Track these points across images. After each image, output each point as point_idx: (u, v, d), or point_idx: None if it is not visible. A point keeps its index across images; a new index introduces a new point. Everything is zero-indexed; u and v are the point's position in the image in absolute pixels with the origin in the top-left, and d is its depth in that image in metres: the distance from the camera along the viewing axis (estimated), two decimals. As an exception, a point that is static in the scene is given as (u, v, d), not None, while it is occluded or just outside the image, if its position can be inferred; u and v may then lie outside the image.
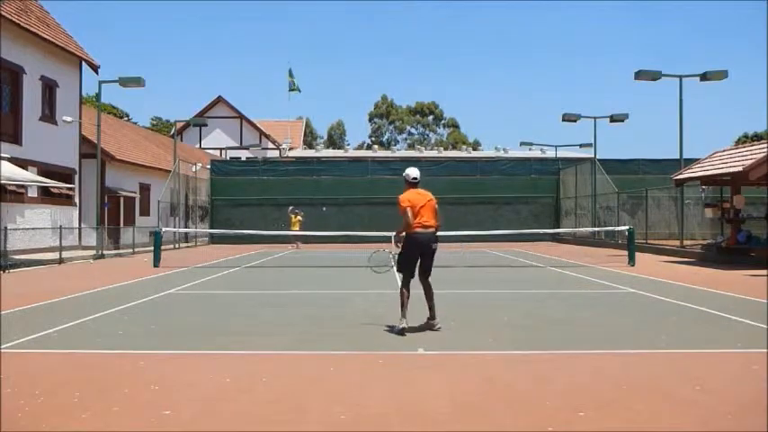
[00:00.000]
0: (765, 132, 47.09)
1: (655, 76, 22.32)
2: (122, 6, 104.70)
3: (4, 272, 14.44)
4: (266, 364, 5.53)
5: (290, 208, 26.99)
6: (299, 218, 26.30)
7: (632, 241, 16.78)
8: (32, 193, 21.55)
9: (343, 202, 31.30)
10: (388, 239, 18.88)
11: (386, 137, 79.75)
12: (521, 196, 31.99)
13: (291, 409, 4.19)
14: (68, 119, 21.78)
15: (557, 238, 30.63)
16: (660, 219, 24.38)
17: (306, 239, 26.48)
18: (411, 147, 72.08)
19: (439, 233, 6.98)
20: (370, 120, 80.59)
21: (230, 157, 44.91)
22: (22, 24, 20.67)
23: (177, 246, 26.06)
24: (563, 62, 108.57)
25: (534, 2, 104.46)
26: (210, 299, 10.19)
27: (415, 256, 6.89)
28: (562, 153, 42.47)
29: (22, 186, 20.19)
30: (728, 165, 16.15)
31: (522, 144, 43.07)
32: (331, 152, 60.31)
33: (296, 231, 25.25)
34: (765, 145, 15.76)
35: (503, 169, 32.94)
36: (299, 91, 51.41)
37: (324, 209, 27.11)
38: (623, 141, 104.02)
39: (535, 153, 49.07)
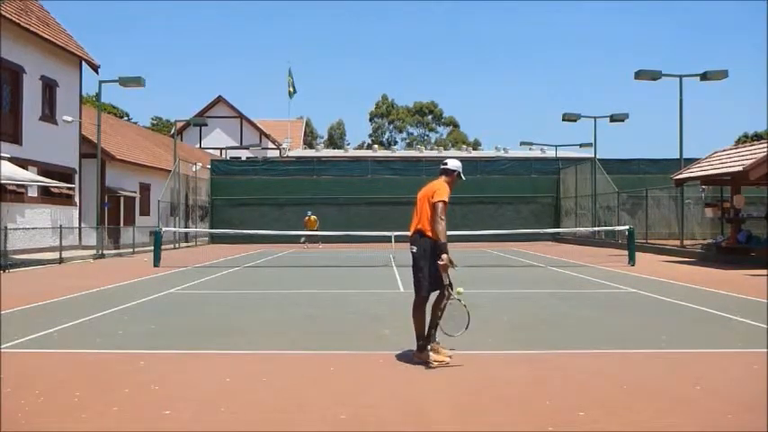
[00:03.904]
0: (765, 132, 47.09)
1: (655, 76, 22.32)
2: (122, 6, 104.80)
3: (4, 272, 14.43)
4: (266, 364, 5.53)
5: (309, 212, 27.06)
6: (313, 217, 26.39)
7: (632, 241, 16.78)
8: (32, 192, 21.55)
9: (344, 201, 31.34)
10: (388, 239, 18.99)
11: (386, 136, 79.77)
12: (521, 196, 32.02)
13: (291, 409, 4.20)
14: (68, 119, 21.78)
15: (557, 238, 30.64)
16: (660, 218, 24.39)
17: (304, 239, 26.48)
18: (410, 146, 72.12)
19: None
20: (370, 119, 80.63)
21: (230, 157, 44.89)
22: (22, 24, 20.67)
23: (177, 245, 26.06)
24: (563, 62, 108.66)
25: (534, 2, 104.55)
26: (210, 299, 10.19)
27: None
28: (562, 153, 42.46)
29: (22, 186, 20.19)
30: (728, 165, 16.15)
31: (522, 144, 43.07)
32: (331, 152, 60.29)
33: (311, 231, 25.23)
34: (765, 145, 15.76)
35: (503, 169, 32.97)
36: (290, 96, 51.67)
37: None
38: (623, 141, 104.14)
39: (535, 153, 49.05)
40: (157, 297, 10.09)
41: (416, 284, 5.59)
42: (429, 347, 5.51)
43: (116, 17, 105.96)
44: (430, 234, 5.46)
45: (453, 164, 5.82)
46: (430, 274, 5.46)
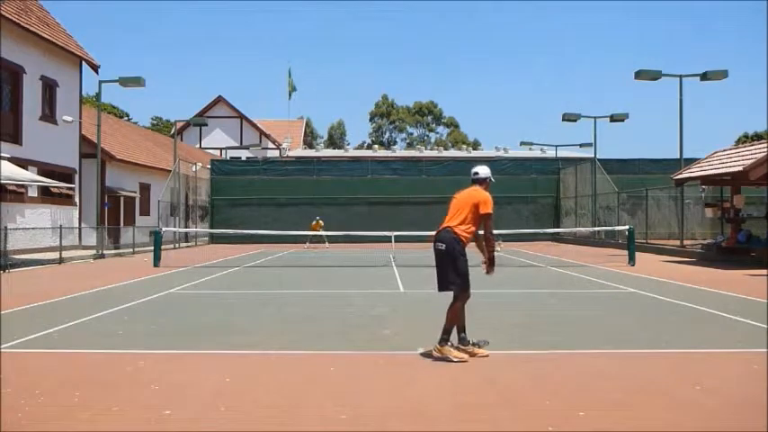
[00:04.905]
0: (765, 132, 47.08)
1: (655, 76, 22.32)
2: (122, 6, 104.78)
3: (4, 272, 14.43)
4: (266, 364, 5.53)
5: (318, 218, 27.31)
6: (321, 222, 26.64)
7: (632, 241, 16.78)
8: (32, 192, 21.55)
9: (344, 201, 31.34)
10: (388, 239, 18.98)
11: (386, 137, 79.78)
12: (521, 196, 32.01)
13: (291, 408, 4.19)
14: (68, 119, 21.79)
15: (557, 238, 30.64)
16: (660, 218, 24.39)
17: (304, 239, 26.49)
18: (410, 146, 72.11)
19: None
20: (370, 119, 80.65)
21: (230, 157, 44.92)
22: (22, 24, 20.67)
23: (177, 245, 26.07)
24: (563, 62, 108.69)
25: (534, 2, 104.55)
26: (210, 299, 10.19)
27: None
28: (562, 153, 42.45)
29: (22, 186, 20.19)
30: (728, 165, 16.15)
31: (522, 144, 43.04)
32: (331, 152, 60.30)
33: (317, 232, 25.33)
34: (765, 145, 15.76)
35: (503, 169, 32.91)
36: (289, 96, 51.77)
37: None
38: (623, 141, 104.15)
39: (535, 153, 49.06)
40: (157, 297, 10.09)
41: (443, 281, 5.78)
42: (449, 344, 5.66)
43: (116, 17, 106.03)
44: (460, 234, 5.70)
45: (484, 172, 5.99)
46: (458, 271, 5.71)
